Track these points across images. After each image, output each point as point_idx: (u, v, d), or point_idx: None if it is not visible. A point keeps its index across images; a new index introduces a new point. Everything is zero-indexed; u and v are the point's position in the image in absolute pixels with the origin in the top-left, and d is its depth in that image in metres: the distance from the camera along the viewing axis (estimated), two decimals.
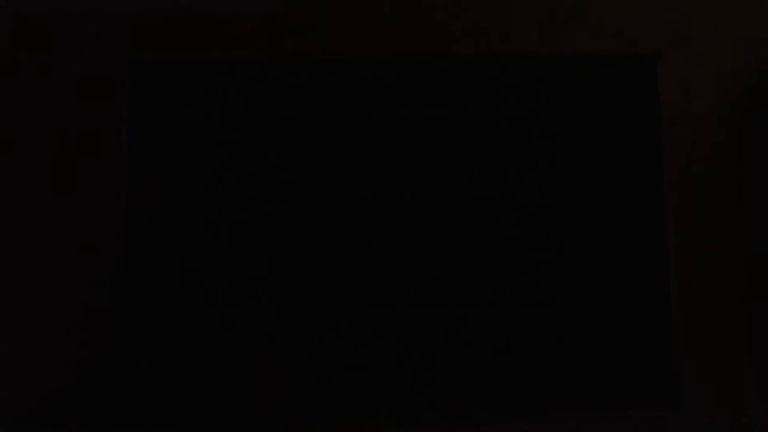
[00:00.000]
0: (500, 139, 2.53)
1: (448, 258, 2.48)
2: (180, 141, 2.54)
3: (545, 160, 2.52)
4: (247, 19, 2.61)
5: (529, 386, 2.43)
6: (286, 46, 2.60)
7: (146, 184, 2.52)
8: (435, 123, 2.54)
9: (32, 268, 2.48)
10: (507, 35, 2.60)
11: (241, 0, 2.62)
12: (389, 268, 2.48)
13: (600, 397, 2.42)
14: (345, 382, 2.44)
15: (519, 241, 2.48)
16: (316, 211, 2.51)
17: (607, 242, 2.48)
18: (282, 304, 2.46)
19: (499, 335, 2.45)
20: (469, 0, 2.62)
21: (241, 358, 2.44)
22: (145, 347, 2.45)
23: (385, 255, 2.48)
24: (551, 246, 2.48)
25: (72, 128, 2.55)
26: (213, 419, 2.42)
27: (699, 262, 2.51)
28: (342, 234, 2.49)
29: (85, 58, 2.58)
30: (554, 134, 2.53)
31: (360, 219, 2.50)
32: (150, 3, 2.62)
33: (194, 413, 2.42)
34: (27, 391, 2.44)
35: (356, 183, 2.52)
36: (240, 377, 2.44)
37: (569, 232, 2.49)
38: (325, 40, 2.60)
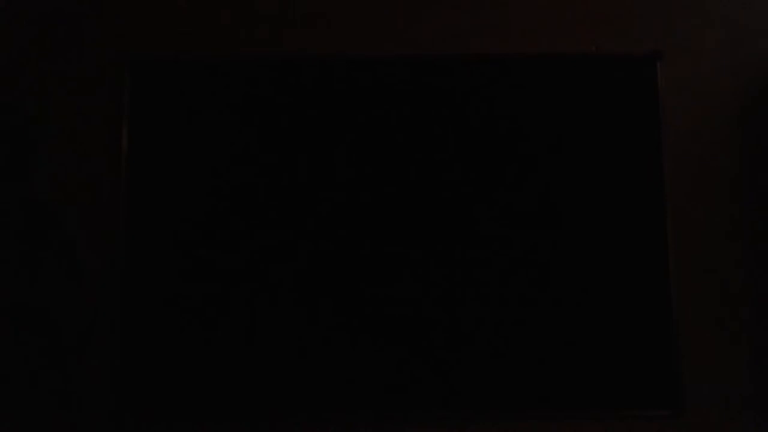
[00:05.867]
0: (500, 139, 2.53)
1: (448, 258, 2.48)
2: (180, 140, 2.54)
3: (545, 160, 2.52)
4: (247, 19, 2.61)
5: (529, 386, 2.43)
6: (286, 46, 2.60)
7: (146, 184, 2.52)
8: (435, 122, 2.54)
9: (31, 267, 2.47)
10: (507, 35, 2.60)
11: (241, 0, 2.62)
12: (390, 268, 2.48)
13: (600, 397, 2.42)
14: (345, 382, 2.44)
15: (518, 241, 2.48)
16: (315, 209, 2.50)
17: (607, 242, 2.48)
18: (282, 303, 2.46)
19: (499, 336, 2.45)
20: (470, 0, 2.62)
21: (240, 357, 2.44)
22: (143, 346, 2.45)
23: (386, 254, 2.48)
24: (551, 246, 2.48)
25: (72, 128, 2.55)
26: (212, 419, 2.42)
27: (699, 262, 2.51)
28: (342, 233, 2.49)
29: (85, 58, 2.59)
30: (554, 134, 2.53)
31: (360, 218, 2.50)
32: (150, 3, 2.62)
33: (193, 412, 2.42)
34: (28, 391, 2.44)
35: (357, 182, 2.51)
36: (239, 377, 2.44)
37: (569, 232, 2.49)
38: (325, 39, 2.60)
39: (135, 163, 2.52)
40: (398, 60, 2.57)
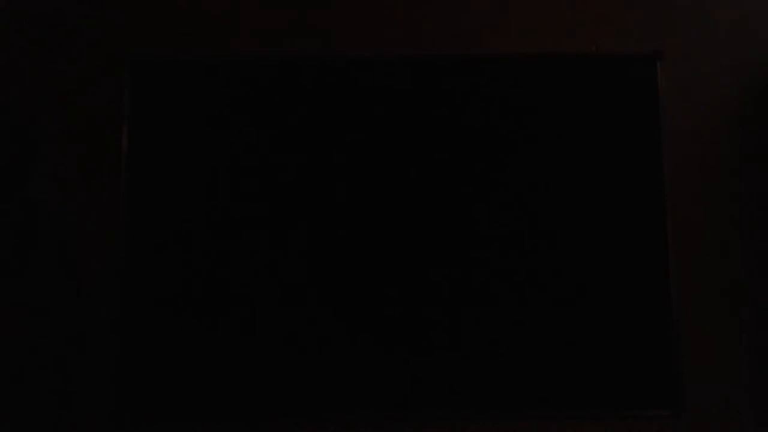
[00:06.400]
0: (500, 139, 2.53)
1: (448, 258, 2.48)
2: (180, 140, 2.53)
3: (545, 160, 2.52)
4: (247, 19, 2.61)
5: (529, 386, 2.43)
6: (286, 46, 2.60)
7: (146, 184, 2.52)
8: (435, 122, 2.54)
9: (30, 267, 2.47)
10: (507, 35, 2.60)
11: (241, 0, 2.62)
12: (390, 268, 2.48)
13: (600, 397, 2.42)
14: (345, 382, 2.44)
15: (518, 240, 2.48)
16: (315, 209, 2.50)
17: (606, 242, 2.48)
18: (282, 303, 2.46)
19: (499, 336, 2.45)
20: (470, 0, 2.62)
21: (240, 357, 2.44)
22: (143, 346, 2.45)
23: (386, 254, 2.48)
24: (551, 246, 2.48)
25: (72, 128, 2.55)
26: (212, 419, 2.42)
27: (699, 262, 2.51)
28: (342, 233, 2.49)
29: (85, 58, 2.58)
30: (554, 134, 2.53)
31: (360, 218, 2.50)
32: (150, 3, 2.62)
33: (193, 412, 2.42)
34: (28, 391, 2.44)
35: (357, 182, 2.51)
36: (239, 377, 2.44)
37: (569, 232, 2.49)
38: (326, 39, 2.60)
39: (135, 163, 2.52)
40: (398, 60, 2.57)
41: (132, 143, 2.53)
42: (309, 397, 2.43)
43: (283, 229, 2.50)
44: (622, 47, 2.58)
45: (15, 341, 2.45)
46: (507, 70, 2.56)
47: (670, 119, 2.55)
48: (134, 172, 2.52)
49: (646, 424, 2.44)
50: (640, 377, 2.43)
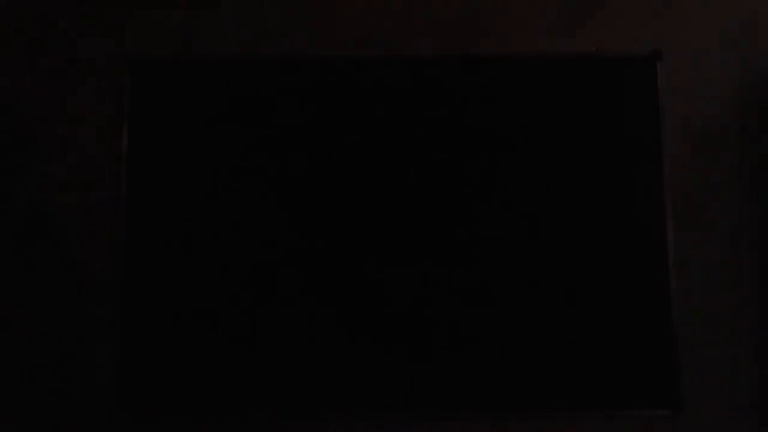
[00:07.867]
0: (500, 139, 2.53)
1: (448, 258, 2.48)
2: (180, 140, 2.53)
3: (545, 160, 2.52)
4: (247, 19, 2.61)
5: (529, 386, 2.43)
6: (286, 46, 2.60)
7: (146, 184, 2.52)
8: (435, 122, 2.54)
9: (30, 267, 2.47)
10: (507, 35, 2.60)
11: (241, 0, 2.62)
12: (390, 268, 2.48)
13: (600, 397, 2.42)
14: (345, 382, 2.44)
15: (518, 240, 2.48)
16: (315, 209, 2.50)
17: (607, 242, 2.48)
18: (282, 303, 2.46)
19: (499, 336, 2.45)
20: (471, 1, 2.62)
21: (240, 358, 2.44)
22: (143, 347, 2.45)
23: (386, 254, 2.48)
24: (551, 246, 2.48)
25: (72, 128, 2.55)
26: (212, 419, 2.42)
27: (699, 262, 2.51)
28: (342, 233, 2.49)
29: (85, 58, 2.58)
30: (554, 134, 2.53)
31: (359, 218, 2.50)
32: (150, 3, 2.62)
33: (193, 412, 2.42)
34: (28, 391, 2.44)
35: (357, 183, 2.51)
36: (239, 378, 2.44)
37: (569, 232, 2.49)
38: (325, 39, 2.60)
39: (135, 163, 2.52)
40: (398, 60, 2.57)
41: (132, 143, 2.53)
42: (309, 397, 2.43)
43: (283, 229, 2.50)
44: (622, 47, 2.58)
45: (15, 341, 2.45)
46: (507, 70, 2.56)
47: (670, 119, 2.55)
48: (134, 172, 2.52)
49: (646, 424, 2.44)
50: (639, 377, 2.43)
